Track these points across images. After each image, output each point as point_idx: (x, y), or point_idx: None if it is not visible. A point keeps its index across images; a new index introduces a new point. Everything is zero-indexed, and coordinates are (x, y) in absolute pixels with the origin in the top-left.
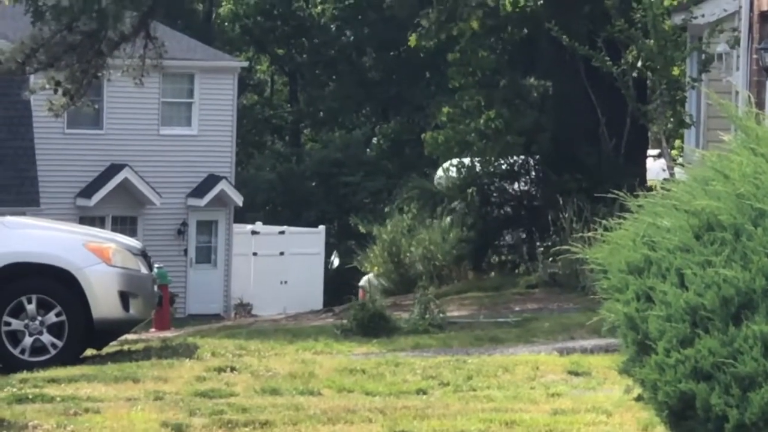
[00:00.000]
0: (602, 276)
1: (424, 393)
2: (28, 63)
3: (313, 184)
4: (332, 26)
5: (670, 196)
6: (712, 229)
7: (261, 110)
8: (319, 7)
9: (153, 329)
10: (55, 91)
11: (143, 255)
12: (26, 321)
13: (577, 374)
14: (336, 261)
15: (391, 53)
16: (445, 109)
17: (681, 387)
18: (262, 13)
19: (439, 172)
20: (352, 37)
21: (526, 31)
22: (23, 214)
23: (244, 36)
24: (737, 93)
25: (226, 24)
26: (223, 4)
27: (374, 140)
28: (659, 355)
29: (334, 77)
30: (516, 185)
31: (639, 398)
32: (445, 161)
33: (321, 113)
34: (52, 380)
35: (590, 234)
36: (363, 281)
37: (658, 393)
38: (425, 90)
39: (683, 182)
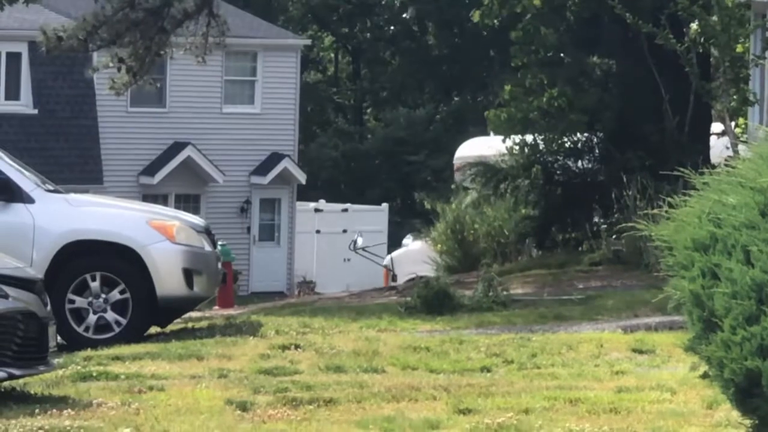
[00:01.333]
0: (668, 253)
1: (488, 371)
2: (90, 40)
3: (377, 162)
4: (396, 2)
5: (735, 173)
6: None
7: (324, 88)
8: None
9: (216, 307)
10: (119, 69)
11: (207, 232)
12: (90, 298)
13: (641, 352)
14: (360, 240)
15: (454, 30)
16: (508, 87)
17: (747, 364)
18: None
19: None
20: (415, 15)
21: (589, 8)
22: (86, 191)
23: (306, 14)
24: None
25: (289, 2)
26: None
27: (437, 117)
28: (725, 333)
29: (397, 55)
30: (579, 163)
31: (705, 376)
32: (507, 138)
33: (384, 92)
34: (116, 358)
35: (654, 211)
36: (386, 260)
37: (724, 370)
38: (488, 68)
39: (748, 159)
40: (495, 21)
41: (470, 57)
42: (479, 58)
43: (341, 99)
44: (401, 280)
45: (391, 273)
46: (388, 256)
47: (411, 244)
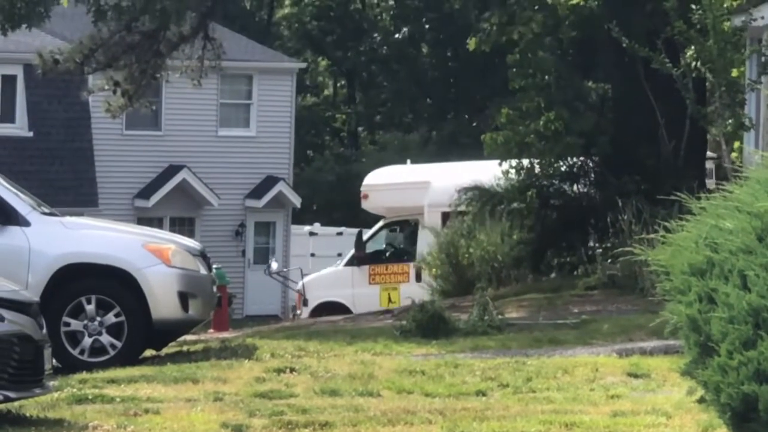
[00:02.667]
0: (664, 278)
1: (484, 394)
2: (86, 63)
3: None
4: (390, 26)
5: (732, 197)
6: None
7: (319, 111)
8: (376, 9)
9: (211, 330)
10: (114, 92)
11: (202, 256)
12: (85, 321)
13: (636, 376)
14: (274, 265)
15: (448, 54)
16: (505, 110)
17: (744, 389)
18: (320, 16)
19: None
20: (409, 37)
21: (584, 32)
22: (81, 214)
23: (301, 38)
24: None
25: (282, 26)
26: (285, 5)
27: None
28: (722, 357)
29: (391, 78)
30: (575, 187)
31: (701, 400)
32: (503, 162)
33: (378, 115)
34: (112, 381)
35: (650, 236)
36: (299, 285)
37: (720, 395)
38: (483, 90)
39: (745, 184)
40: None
41: (465, 79)
42: (474, 80)
43: (336, 122)
44: (312, 305)
45: (303, 297)
46: (301, 281)
47: (325, 269)
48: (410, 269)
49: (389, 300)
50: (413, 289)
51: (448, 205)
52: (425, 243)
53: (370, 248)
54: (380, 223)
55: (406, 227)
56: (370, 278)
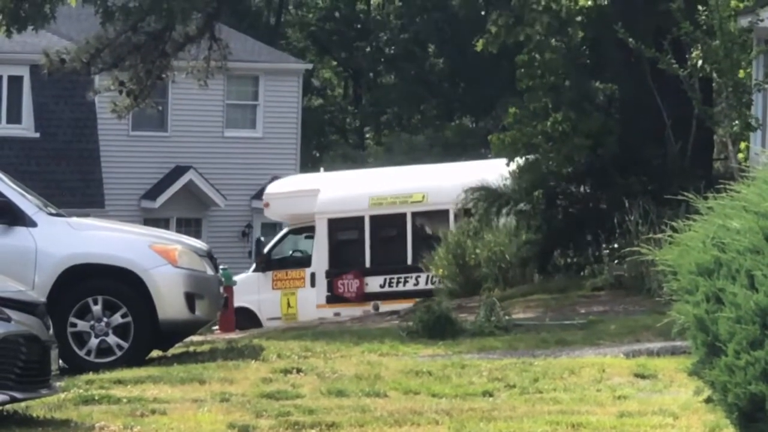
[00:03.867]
0: (672, 278)
1: (491, 395)
2: (92, 63)
3: None
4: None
5: (739, 197)
6: None
7: (325, 112)
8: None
9: (218, 331)
10: (120, 92)
11: (209, 256)
12: (92, 322)
13: (643, 377)
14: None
15: (456, 54)
16: (513, 111)
17: (751, 389)
18: (326, 18)
19: None
20: (416, 37)
21: (592, 33)
22: (88, 215)
23: (307, 39)
24: None
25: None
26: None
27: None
28: (729, 357)
29: (397, 79)
30: (581, 188)
31: (708, 400)
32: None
33: (385, 115)
34: (118, 381)
35: (657, 236)
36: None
37: (728, 395)
38: (490, 90)
39: (753, 184)
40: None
41: (472, 79)
42: (481, 80)
43: (342, 123)
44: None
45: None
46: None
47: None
48: (305, 274)
49: (288, 305)
50: (307, 294)
51: (333, 212)
52: (318, 249)
53: (279, 254)
54: (285, 230)
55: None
56: (273, 284)
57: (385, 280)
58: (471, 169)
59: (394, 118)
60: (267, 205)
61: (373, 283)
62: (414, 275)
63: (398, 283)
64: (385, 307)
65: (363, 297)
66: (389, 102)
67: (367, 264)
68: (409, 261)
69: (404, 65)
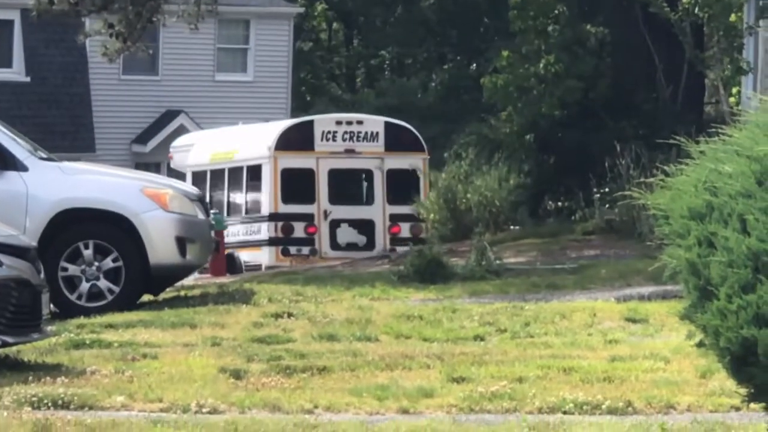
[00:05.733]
0: (663, 222)
1: (482, 339)
2: (81, 5)
3: None
4: None
5: (731, 141)
6: None
7: (317, 56)
8: None
9: (209, 275)
10: (110, 35)
11: (200, 201)
12: (83, 266)
13: (634, 321)
14: None
15: None
16: (505, 53)
17: (743, 333)
18: None
19: None
20: None
21: None
22: (79, 159)
23: None
24: None
25: None
26: None
27: (431, 85)
28: (721, 301)
29: (390, 20)
30: (573, 131)
31: (700, 344)
32: (503, 106)
33: (376, 59)
34: (109, 326)
35: (648, 180)
36: None
37: (719, 339)
38: (483, 34)
39: (745, 128)
40: None
41: (464, 23)
42: (473, 24)
43: (334, 67)
44: None
45: None
46: None
47: None
48: None
49: None
50: None
51: (194, 166)
52: None
53: None
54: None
55: None
56: None
57: None
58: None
59: (385, 61)
60: (171, 156)
61: None
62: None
63: None
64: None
65: None
66: (380, 46)
67: None
68: (225, 214)
69: (397, 8)
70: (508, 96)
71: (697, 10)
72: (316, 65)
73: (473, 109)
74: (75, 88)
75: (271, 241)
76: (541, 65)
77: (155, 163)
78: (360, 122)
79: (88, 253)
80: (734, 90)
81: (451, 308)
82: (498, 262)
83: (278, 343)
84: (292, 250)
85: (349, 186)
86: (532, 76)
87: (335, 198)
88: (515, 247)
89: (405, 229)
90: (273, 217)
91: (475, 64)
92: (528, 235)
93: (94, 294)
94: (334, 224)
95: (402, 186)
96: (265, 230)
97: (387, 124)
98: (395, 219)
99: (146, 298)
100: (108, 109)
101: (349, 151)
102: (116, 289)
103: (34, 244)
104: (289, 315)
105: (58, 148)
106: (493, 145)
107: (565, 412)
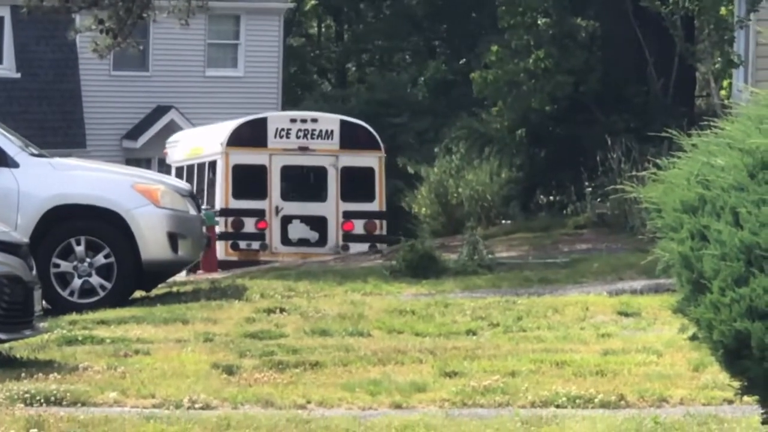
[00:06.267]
0: (656, 215)
1: (474, 334)
2: (71, 1)
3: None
4: None
5: (723, 134)
6: (766, 167)
7: (308, 51)
8: None
9: (200, 271)
10: (101, 31)
11: (191, 196)
12: (75, 263)
13: (626, 315)
14: None
15: None
16: (495, 49)
17: (736, 326)
18: None
19: None
20: None
21: None
22: (69, 155)
23: None
24: None
25: None
26: None
27: (421, 80)
28: (714, 294)
29: (380, 15)
30: (564, 125)
31: (693, 338)
32: (494, 101)
33: (366, 53)
34: (102, 322)
35: (640, 174)
36: None
37: (713, 332)
38: (472, 29)
39: (737, 120)
40: None
41: (453, 18)
42: (463, 18)
43: (324, 62)
44: None
45: None
46: None
47: None
48: None
49: None
50: None
51: (177, 161)
52: None
53: None
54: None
55: None
56: None
57: None
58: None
59: (374, 56)
60: (165, 152)
61: None
62: None
63: None
64: None
65: None
66: (370, 40)
67: None
68: None
69: (387, 4)
70: (498, 91)
71: (687, 3)
72: (306, 60)
73: (464, 103)
74: (65, 84)
75: (221, 236)
76: (531, 60)
77: (146, 159)
78: (315, 120)
79: (80, 249)
80: (725, 83)
81: (444, 303)
82: (490, 256)
83: (271, 339)
84: (242, 244)
85: (302, 183)
86: (521, 71)
87: (288, 194)
88: (507, 242)
89: (359, 226)
90: (224, 212)
91: (464, 59)
92: (520, 230)
93: (86, 290)
94: (286, 220)
95: (356, 183)
96: None
97: (342, 122)
98: (348, 216)
99: (138, 294)
100: (99, 105)
101: (303, 149)
102: (108, 285)
103: (26, 240)
104: (282, 310)
105: (49, 144)
106: (484, 139)
107: (557, 406)
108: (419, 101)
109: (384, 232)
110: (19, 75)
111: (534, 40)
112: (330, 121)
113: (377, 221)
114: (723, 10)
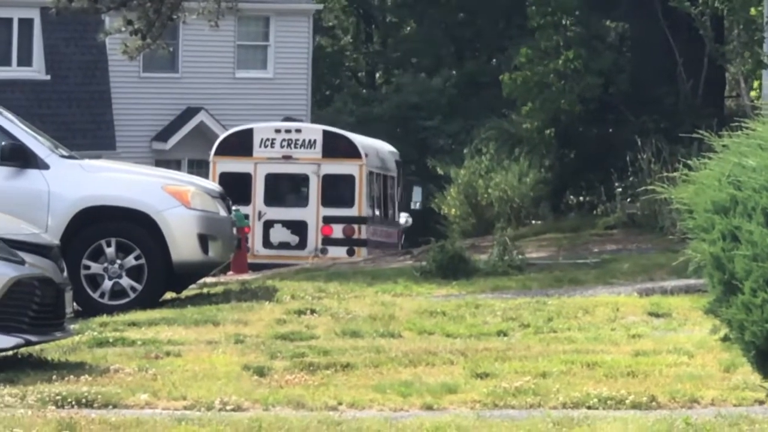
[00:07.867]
0: (687, 216)
1: (505, 335)
2: (100, 2)
3: (398, 129)
4: None
5: (755, 135)
6: None
7: (337, 53)
8: None
9: (231, 272)
10: (130, 33)
11: (222, 198)
12: (105, 264)
13: (657, 315)
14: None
15: None
16: (524, 50)
17: None
18: None
19: None
20: None
21: None
22: (99, 157)
23: None
24: None
25: None
26: None
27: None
28: (746, 295)
29: (411, 18)
30: (594, 126)
31: (725, 338)
32: (523, 102)
33: (397, 53)
34: (132, 324)
35: (670, 174)
36: None
37: (744, 333)
38: (503, 31)
39: None
40: None
41: (485, 19)
42: (494, 20)
43: (354, 64)
44: None
45: None
46: None
47: None
48: None
49: None
50: None
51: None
52: None
53: None
54: None
55: None
56: None
57: None
58: None
59: (405, 58)
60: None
61: None
62: None
63: None
64: None
65: None
66: (400, 42)
67: None
68: None
69: (417, 5)
70: (527, 92)
71: (716, 3)
72: (335, 61)
73: (493, 105)
74: (95, 86)
75: None
76: (560, 61)
77: (176, 161)
78: (299, 130)
79: (110, 251)
80: (755, 84)
81: (474, 304)
82: (520, 257)
83: (301, 340)
84: None
85: (284, 189)
86: (551, 72)
87: (270, 200)
88: (537, 242)
89: (337, 230)
90: None
91: (495, 60)
92: (550, 230)
93: (117, 292)
94: (268, 224)
95: (337, 190)
96: None
97: (325, 133)
98: (328, 221)
99: (169, 295)
100: (128, 107)
101: (287, 157)
102: (139, 286)
103: (57, 242)
104: (312, 311)
105: (79, 146)
106: (514, 140)
107: (589, 407)
108: (449, 103)
109: (363, 236)
110: (48, 77)
111: (563, 41)
112: (313, 131)
113: (356, 226)
114: (753, 11)
